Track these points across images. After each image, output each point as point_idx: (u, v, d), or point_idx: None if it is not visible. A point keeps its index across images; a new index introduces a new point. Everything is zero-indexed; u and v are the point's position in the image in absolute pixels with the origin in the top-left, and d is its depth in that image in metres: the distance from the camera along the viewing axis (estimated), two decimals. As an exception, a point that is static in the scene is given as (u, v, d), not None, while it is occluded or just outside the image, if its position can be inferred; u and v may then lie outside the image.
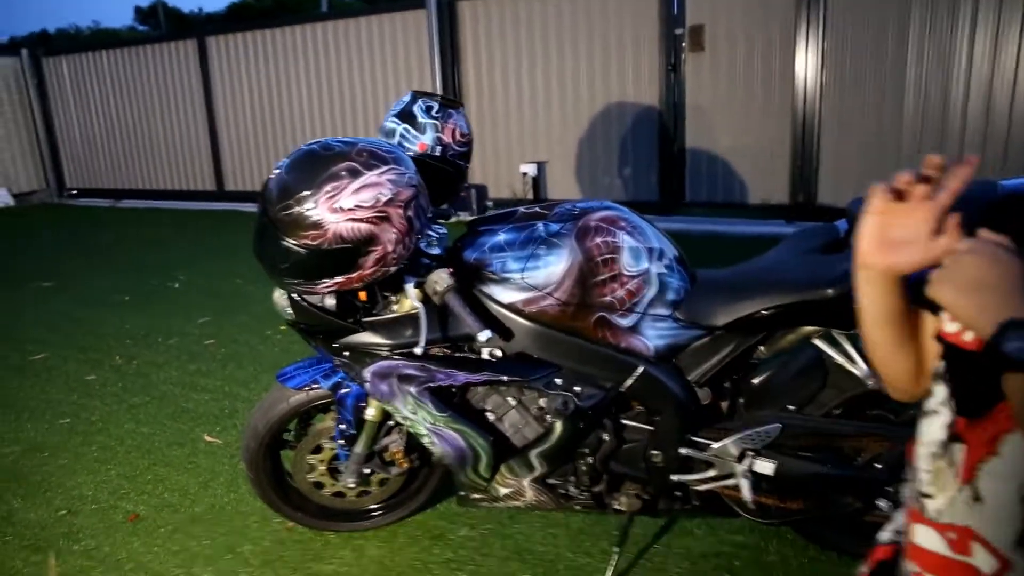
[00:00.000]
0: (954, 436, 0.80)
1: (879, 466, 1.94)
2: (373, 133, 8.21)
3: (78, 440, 3.18)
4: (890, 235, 0.80)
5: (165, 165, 9.97)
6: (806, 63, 6.18)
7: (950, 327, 0.81)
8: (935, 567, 0.82)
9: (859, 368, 1.90)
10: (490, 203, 7.60)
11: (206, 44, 9.19)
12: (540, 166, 7.40)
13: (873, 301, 0.86)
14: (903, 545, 0.89)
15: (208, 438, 3.13)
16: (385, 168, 1.63)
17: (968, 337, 0.77)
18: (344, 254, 1.63)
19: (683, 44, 6.60)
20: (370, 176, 1.61)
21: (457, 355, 1.93)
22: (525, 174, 7.35)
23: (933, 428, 0.83)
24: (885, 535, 1.01)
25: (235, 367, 3.93)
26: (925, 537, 0.83)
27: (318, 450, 2.28)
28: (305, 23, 8.56)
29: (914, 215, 0.78)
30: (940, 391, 0.83)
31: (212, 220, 8.56)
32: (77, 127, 10.60)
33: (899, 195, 0.78)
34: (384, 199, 1.61)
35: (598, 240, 1.84)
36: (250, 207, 9.07)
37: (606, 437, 1.97)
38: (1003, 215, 0.79)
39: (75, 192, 10.89)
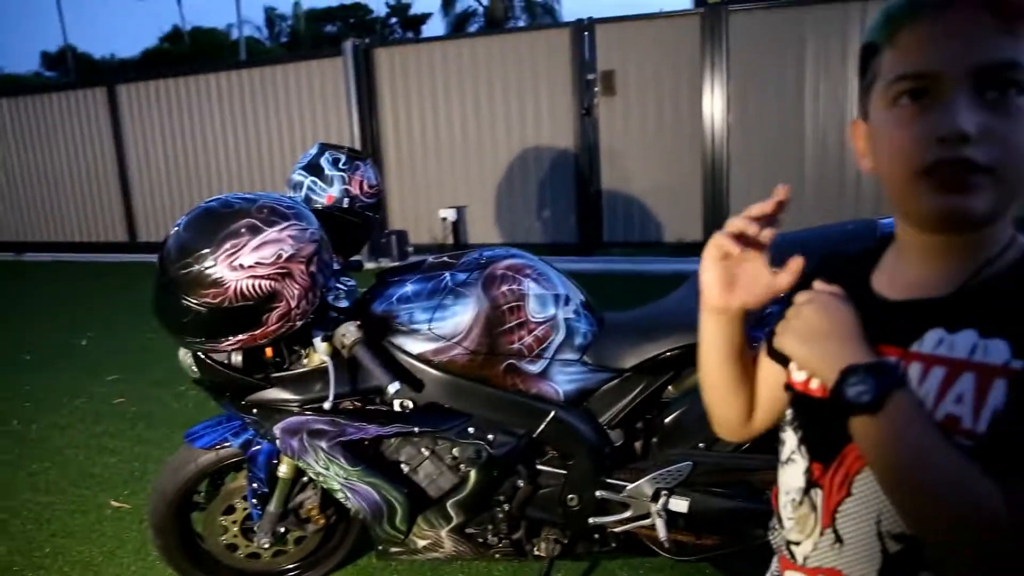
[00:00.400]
0: (812, 482, 0.82)
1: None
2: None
3: (-32, 515, 2.99)
4: (733, 275, 0.84)
5: (73, 216, 9.63)
6: (712, 105, 6.47)
7: (797, 376, 0.84)
8: None
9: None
10: (411, 248, 7.61)
11: (116, 92, 8.99)
12: (460, 211, 7.46)
13: (715, 343, 0.90)
14: None
15: (115, 503, 2.99)
16: (286, 224, 1.62)
17: (814, 385, 0.80)
18: (247, 311, 1.61)
19: (596, 89, 6.81)
20: (271, 232, 1.60)
21: (368, 408, 1.91)
22: (445, 219, 7.39)
23: (791, 476, 0.85)
24: None
25: (145, 426, 3.77)
26: None
27: (230, 511, 2.21)
28: (220, 71, 8.50)
29: (753, 256, 0.82)
30: (790, 439, 0.86)
31: (123, 273, 8.26)
32: (-23, 178, 10.16)
33: (741, 237, 0.81)
34: (286, 255, 1.60)
35: (504, 288, 1.87)
36: (164, 257, 8.82)
37: (521, 483, 1.98)
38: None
39: (-26, 246, 10.40)
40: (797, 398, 0.85)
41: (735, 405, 0.95)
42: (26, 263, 9.53)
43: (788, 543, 0.86)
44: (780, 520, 0.88)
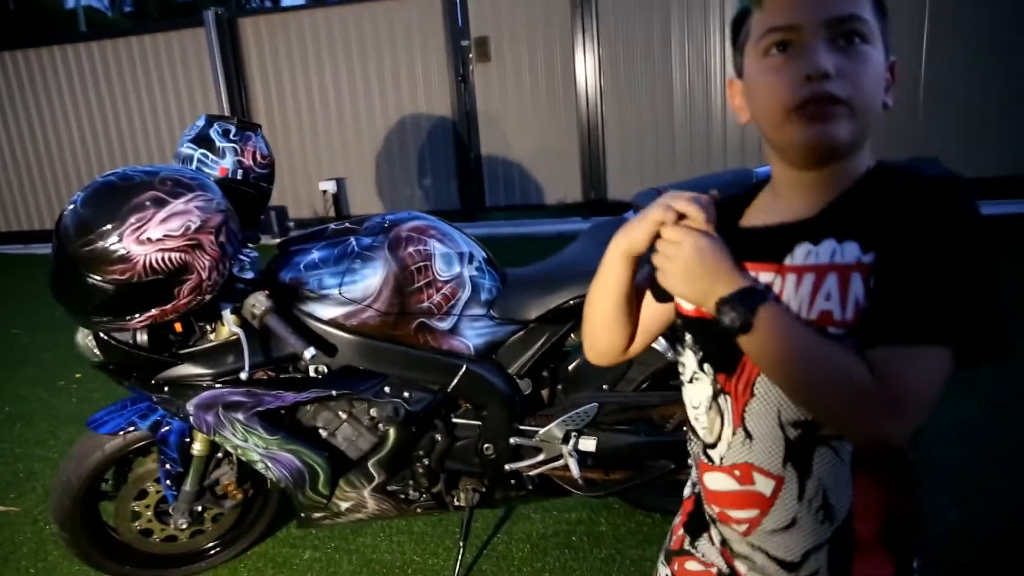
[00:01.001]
0: (719, 391, 0.94)
1: (686, 428, 2.17)
2: (157, 160, 7.73)
3: None
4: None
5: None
6: (585, 69, 6.64)
7: (687, 306, 0.97)
8: (729, 502, 0.96)
9: (660, 344, 2.11)
10: (291, 223, 7.42)
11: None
12: (340, 182, 7.32)
13: (619, 283, 1.01)
14: (702, 494, 1.04)
15: (1, 507, 2.84)
16: (191, 195, 1.60)
17: (707, 309, 0.92)
18: (157, 286, 1.58)
19: (470, 55, 6.83)
20: (177, 204, 1.57)
21: (283, 376, 1.92)
22: (325, 192, 7.23)
23: (698, 391, 0.98)
24: (687, 490, 1.16)
25: (24, 425, 3.57)
26: (716, 481, 0.97)
27: (142, 495, 2.16)
28: (65, 43, 7.84)
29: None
30: (691, 360, 0.99)
31: (-28, 267, 7.65)
32: None
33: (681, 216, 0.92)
34: (194, 226, 1.59)
35: (410, 249, 1.91)
36: (15, 249, 8.21)
37: (439, 437, 2.05)
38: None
39: None
40: (692, 323, 0.97)
41: (623, 335, 1.07)
42: None
43: (705, 448, 0.98)
44: (695, 431, 1.00)
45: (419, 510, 2.15)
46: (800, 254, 0.85)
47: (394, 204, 7.31)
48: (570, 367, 2.18)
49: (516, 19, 6.72)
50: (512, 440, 2.09)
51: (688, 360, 0.99)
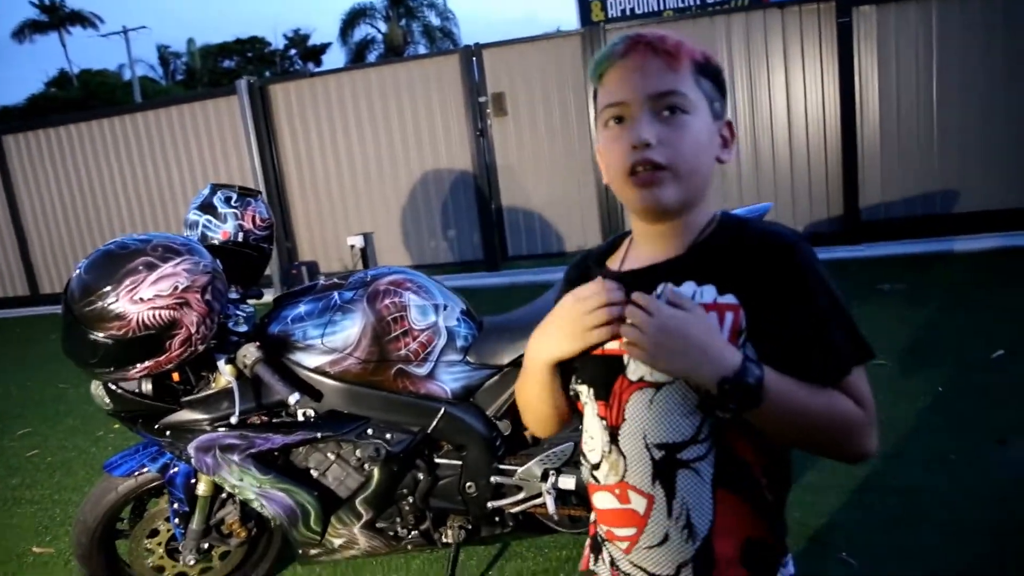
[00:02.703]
0: (600, 417, 1.05)
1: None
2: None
3: None
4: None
5: (-32, 274, 9.32)
6: (598, 120, 6.83)
7: (611, 345, 1.04)
8: (612, 520, 1.07)
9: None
10: (322, 277, 7.70)
11: (3, 144, 8.76)
12: (367, 237, 7.58)
13: (549, 383, 1.11)
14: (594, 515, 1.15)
15: (37, 549, 3.04)
16: (179, 259, 1.81)
17: (611, 346, 1.03)
18: (149, 340, 1.78)
19: (487, 111, 7.11)
20: (166, 268, 1.78)
21: (274, 420, 2.10)
22: (352, 246, 7.51)
23: (589, 417, 1.07)
24: (592, 515, 1.24)
25: (64, 474, 3.80)
26: (601, 500, 1.08)
27: (154, 533, 2.34)
28: (112, 116, 8.41)
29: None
30: (584, 389, 1.08)
31: (26, 326, 8.07)
32: None
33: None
34: (182, 287, 1.79)
35: (387, 302, 2.09)
36: (69, 308, 8.61)
37: (422, 476, 2.19)
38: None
39: None
40: (595, 359, 1.06)
41: (560, 412, 1.17)
42: (-81, 326, 9.15)
43: (591, 469, 1.10)
44: (584, 455, 1.12)
45: (409, 547, 2.27)
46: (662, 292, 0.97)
47: (420, 256, 7.55)
48: (548, 408, 2.29)
49: (530, 73, 6.98)
50: (493, 479, 2.20)
51: (582, 389, 1.10)
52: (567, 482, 2.19)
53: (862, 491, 2.69)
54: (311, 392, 2.06)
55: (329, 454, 2.14)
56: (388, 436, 2.11)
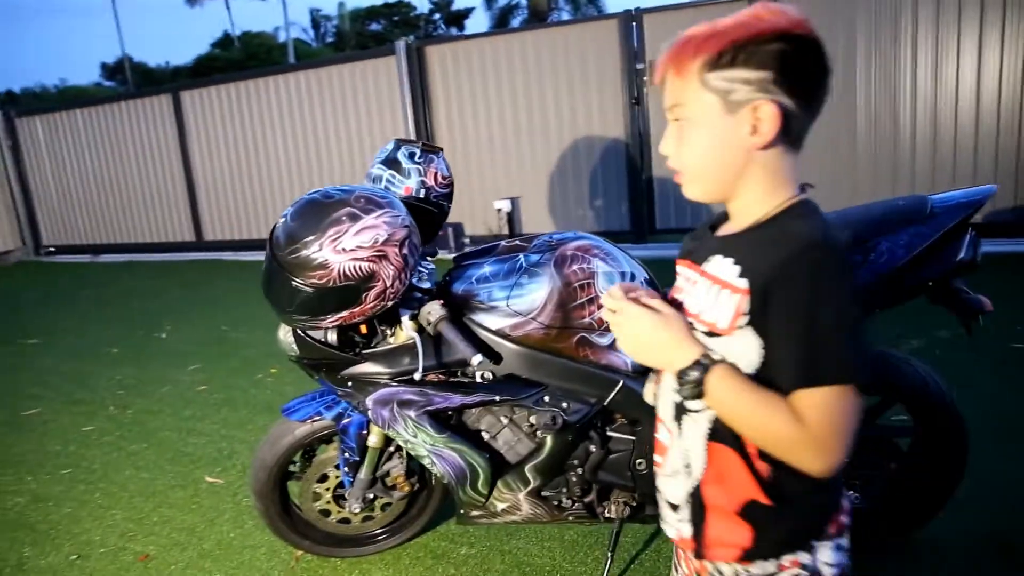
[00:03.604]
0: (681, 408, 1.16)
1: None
2: (348, 176, 8.39)
3: (80, 488, 3.26)
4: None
5: (143, 219, 10.08)
6: (762, 91, 6.47)
7: None
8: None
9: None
10: (467, 240, 7.80)
11: (180, 98, 9.37)
12: (514, 201, 7.61)
13: None
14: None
15: (209, 479, 3.23)
16: (381, 212, 1.80)
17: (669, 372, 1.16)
18: (348, 291, 1.79)
19: (644, 78, 6.89)
20: (368, 219, 1.77)
21: (452, 380, 2.08)
22: (499, 210, 7.55)
23: (662, 407, 1.21)
24: None
25: (229, 411, 4.03)
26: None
27: (324, 479, 2.41)
28: (277, 74, 8.79)
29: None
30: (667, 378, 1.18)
31: (192, 271, 8.66)
32: (53, 185, 10.69)
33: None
34: (382, 239, 1.78)
35: (575, 267, 2.02)
36: (229, 256, 9.18)
37: (593, 449, 2.13)
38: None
39: (52, 250, 10.95)
40: None
41: None
42: (102, 264, 10.02)
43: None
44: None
45: (571, 518, 2.23)
46: (711, 264, 1.06)
47: (565, 224, 7.48)
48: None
49: (693, 42, 6.68)
50: (665, 458, 2.12)
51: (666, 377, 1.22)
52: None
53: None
54: (491, 354, 2.03)
55: (502, 418, 2.11)
56: (565, 405, 2.05)
